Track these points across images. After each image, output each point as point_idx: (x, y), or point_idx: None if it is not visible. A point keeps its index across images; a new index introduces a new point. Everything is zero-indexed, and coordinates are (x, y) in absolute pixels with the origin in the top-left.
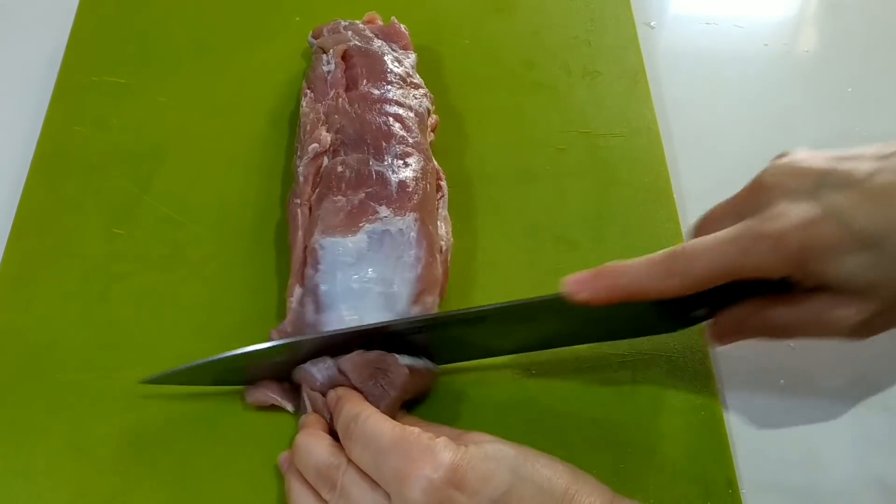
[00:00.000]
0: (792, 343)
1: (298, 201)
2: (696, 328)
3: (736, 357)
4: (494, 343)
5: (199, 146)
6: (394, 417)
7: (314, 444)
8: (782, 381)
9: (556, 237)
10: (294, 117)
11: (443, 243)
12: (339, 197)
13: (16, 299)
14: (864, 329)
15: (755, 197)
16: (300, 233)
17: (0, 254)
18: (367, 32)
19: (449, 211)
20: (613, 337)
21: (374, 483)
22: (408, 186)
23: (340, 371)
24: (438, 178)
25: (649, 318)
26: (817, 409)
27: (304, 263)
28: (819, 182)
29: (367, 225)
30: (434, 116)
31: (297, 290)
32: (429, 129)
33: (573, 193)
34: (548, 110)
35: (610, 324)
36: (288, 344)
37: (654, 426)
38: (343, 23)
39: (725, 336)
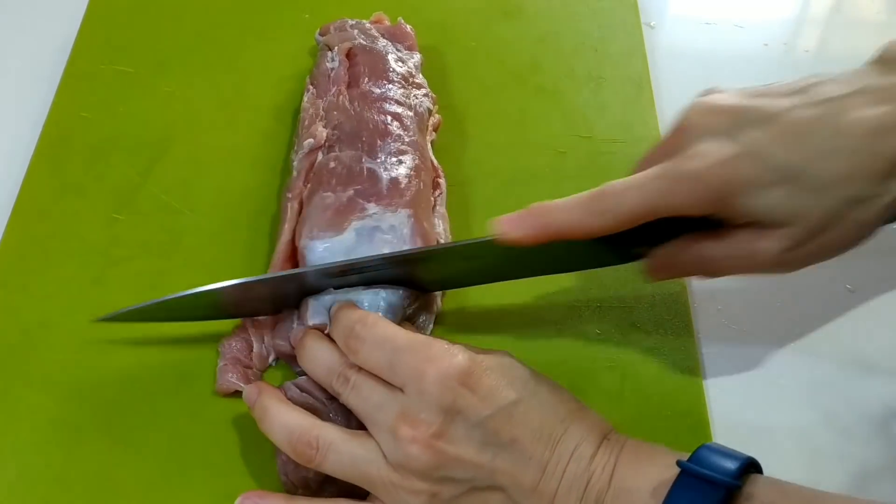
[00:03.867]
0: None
1: (290, 195)
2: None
3: (724, 363)
4: (436, 277)
5: (202, 137)
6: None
7: (324, 346)
8: (770, 387)
9: None
10: (297, 113)
11: (442, 241)
12: (329, 193)
13: (14, 279)
14: (788, 261)
15: (677, 138)
16: (286, 227)
17: (1, 234)
18: (374, 32)
19: (447, 209)
20: (555, 271)
21: (383, 381)
22: (399, 184)
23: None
24: (437, 176)
25: (588, 255)
26: (805, 416)
27: (286, 259)
28: (737, 120)
29: (355, 222)
30: (436, 116)
31: None
32: (430, 129)
33: None
34: (550, 114)
35: (549, 258)
36: (244, 284)
37: (641, 431)
38: (350, 21)
39: (659, 272)
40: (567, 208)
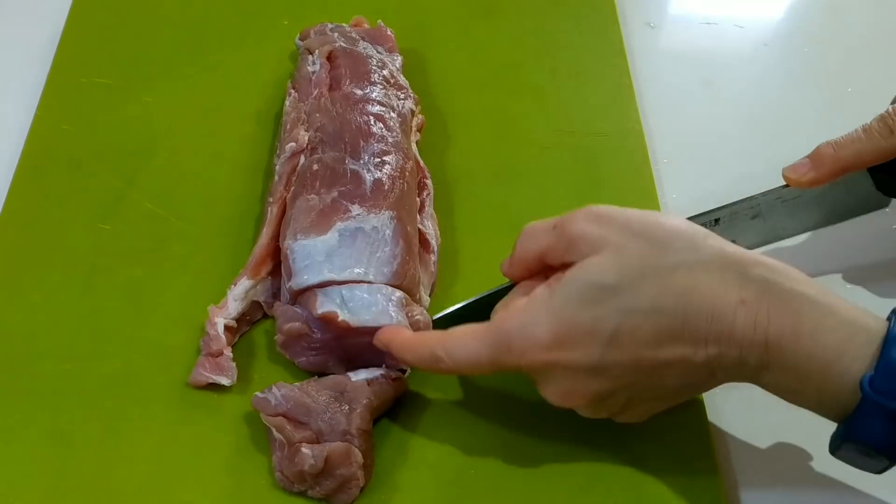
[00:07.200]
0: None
1: (271, 199)
2: None
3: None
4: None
5: (184, 144)
6: (368, 429)
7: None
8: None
9: None
10: (280, 117)
11: (433, 241)
12: (312, 196)
13: (0, 291)
14: None
15: None
16: (265, 230)
17: None
18: (354, 35)
19: (434, 209)
20: (834, 220)
21: None
22: (383, 185)
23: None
24: (424, 177)
25: (865, 194)
26: (801, 418)
27: (262, 261)
28: None
29: (339, 223)
30: (420, 116)
31: (244, 283)
32: (414, 130)
33: (557, 192)
34: (533, 110)
35: (830, 206)
36: None
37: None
38: (330, 25)
39: None
40: (856, 137)
